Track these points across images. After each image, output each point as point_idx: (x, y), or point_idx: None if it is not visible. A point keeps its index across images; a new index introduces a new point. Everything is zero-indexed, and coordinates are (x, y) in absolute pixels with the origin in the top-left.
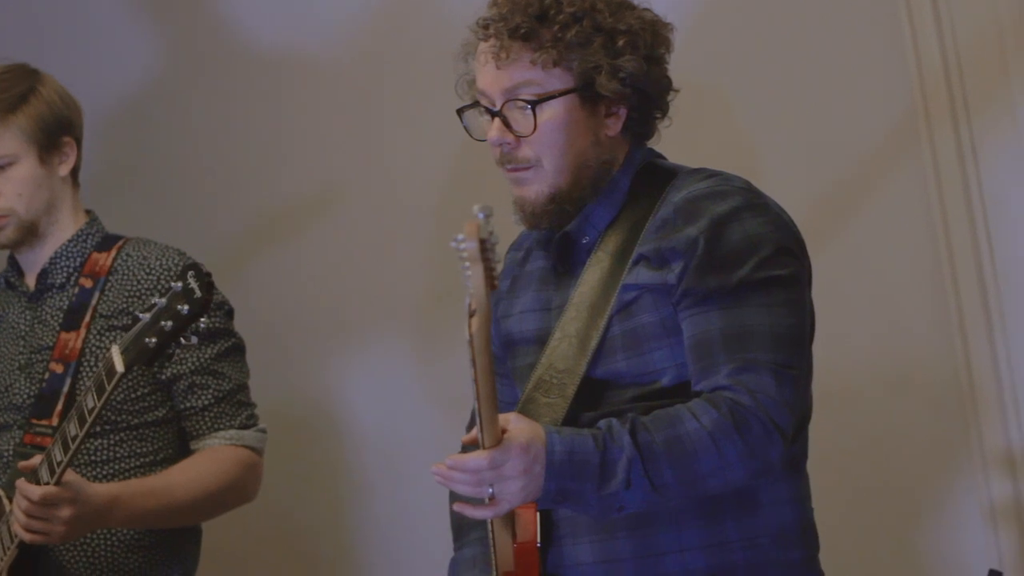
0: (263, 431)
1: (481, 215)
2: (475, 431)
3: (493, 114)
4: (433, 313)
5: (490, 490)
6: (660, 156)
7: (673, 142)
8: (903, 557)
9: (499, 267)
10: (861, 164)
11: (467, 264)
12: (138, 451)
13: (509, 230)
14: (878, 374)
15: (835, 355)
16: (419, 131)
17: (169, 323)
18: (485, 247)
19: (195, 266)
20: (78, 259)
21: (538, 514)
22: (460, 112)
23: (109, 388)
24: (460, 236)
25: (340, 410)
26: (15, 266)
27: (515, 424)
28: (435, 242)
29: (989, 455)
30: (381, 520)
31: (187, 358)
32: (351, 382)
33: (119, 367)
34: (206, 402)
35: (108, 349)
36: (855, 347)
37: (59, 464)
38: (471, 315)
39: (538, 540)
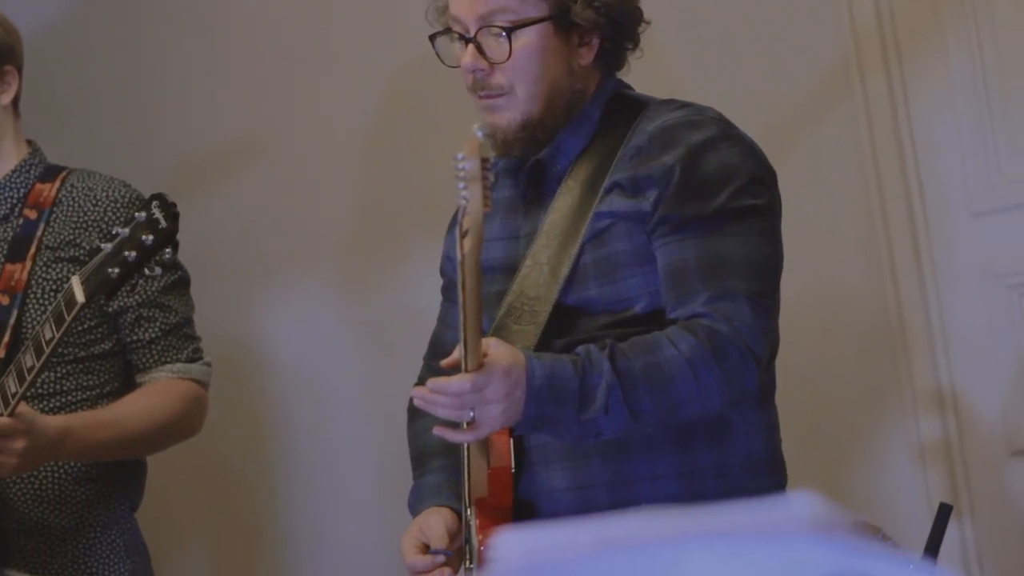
0: (208, 364)
1: (480, 133)
2: (456, 354)
3: (467, 40)
4: (355, 254)
5: (471, 414)
6: (629, 87)
7: None
8: (834, 496)
9: (492, 186)
10: (794, 110)
11: (463, 184)
12: (84, 384)
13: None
14: (810, 316)
15: None
16: (345, 73)
17: (133, 254)
18: (485, 166)
19: (160, 196)
20: (21, 190)
21: (512, 440)
22: (432, 38)
23: (69, 319)
24: (460, 155)
25: (263, 347)
26: None
27: (496, 349)
28: (359, 184)
29: (919, 395)
30: (302, 454)
31: (134, 291)
32: (274, 320)
33: (80, 297)
34: (153, 335)
35: (55, 280)
36: (786, 290)
37: (14, 395)
38: (463, 236)
39: (512, 466)
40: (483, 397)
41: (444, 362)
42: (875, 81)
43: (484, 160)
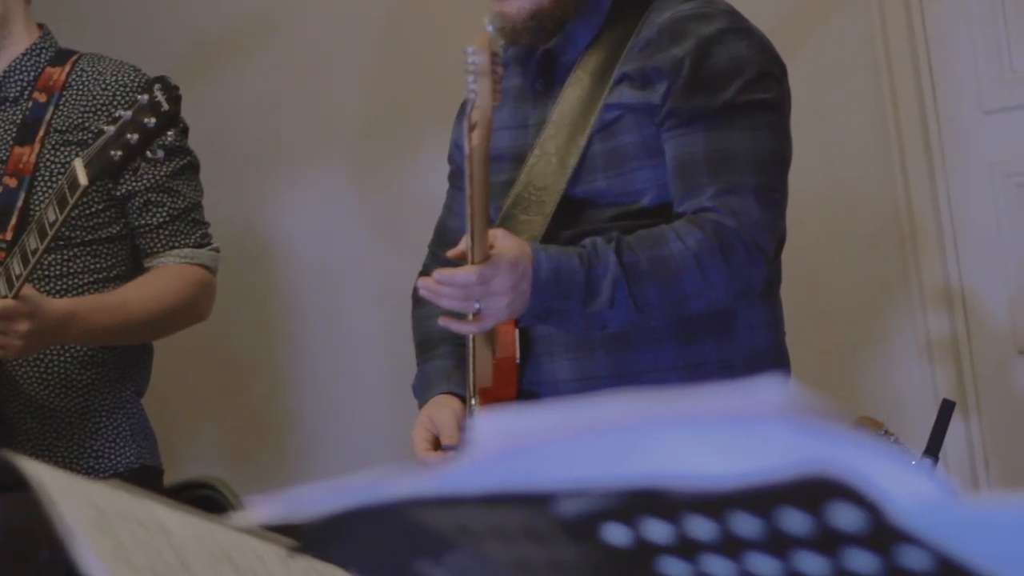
0: (217, 250)
1: (491, 28)
2: (462, 245)
3: None
4: (370, 139)
5: (477, 305)
6: None
7: None
8: (841, 392)
9: (500, 79)
10: (806, 5)
11: (472, 77)
12: (92, 267)
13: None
14: (820, 212)
15: None
16: None
17: (135, 136)
18: (495, 60)
19: (163, 79)
20: (31, 73)
21: (517, 331)
22: None
23: (72, 201)
24: (470, 49)
25: (275, 234)
26: None
27: (502, 240)
28: (372, 71)
29: (927, 292)
30: (312, 341)
31: (142, 175)
32: (286, 207)
33: (83, 180)
34: (161, 220)
35: (63, 164)
36: (796, 186)
37: (18, 278)
38: (471, 128)
39: (517, 356)
40: (489, 289)
41: (451, 253)
42: None
43: (494, 55)
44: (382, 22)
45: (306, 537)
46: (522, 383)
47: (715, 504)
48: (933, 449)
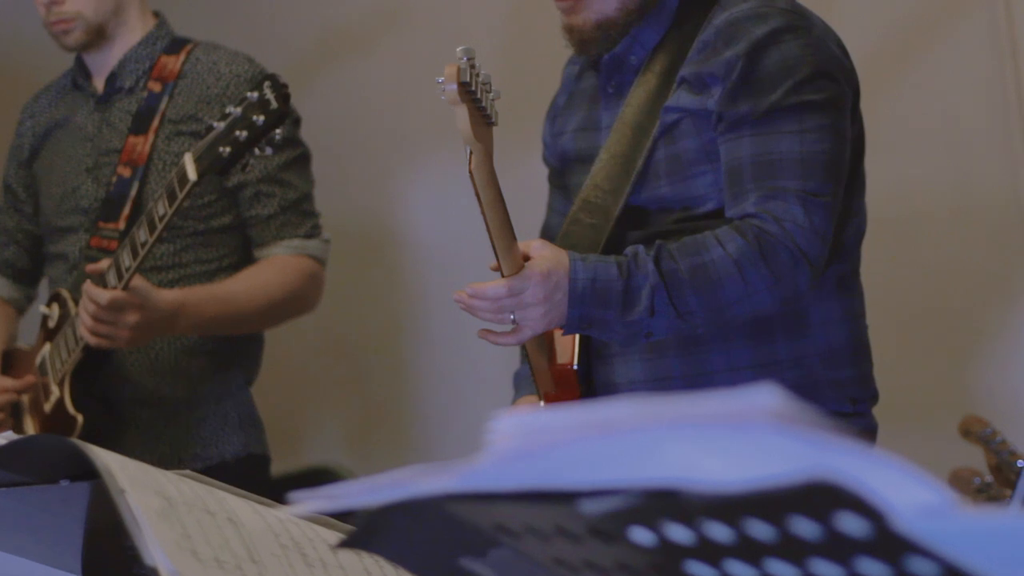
0: (327, 241)
1: (464, 58)
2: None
3: None
4: (496, 129)
5: (512, 317)
6: None
7: None
8: (953, 386)
9: (493, 102)
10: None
11: (453, 106)
12: (203, 257)
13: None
14: (941, 205)
15: (897, 181)
16: None
17: (244, 133)
18: (466, 90)
19: (272, 76)
20: (147, 62)
21: (576, 337)
22: None
23: (181, 196)
24: (440, 79)
25: (399, 225)
26: (83, 68)
27: (537, 251)
28: (500, 61)
29: None
30: (436, 338)
31: (254, 166)
32: (412, 198)
33: (192, 175)
34: (271, 211)
35: (176, 154)
36: (918, 175)
37: (127, 269)
38: (470, 155)
39: (575, 363)
40: (521, 301)
41: (492, 265)
42: None
43: (463, 84)
44: (509, 12)
45: (354, 531)
46: (595, 385)
47: (728, 509)
48: None
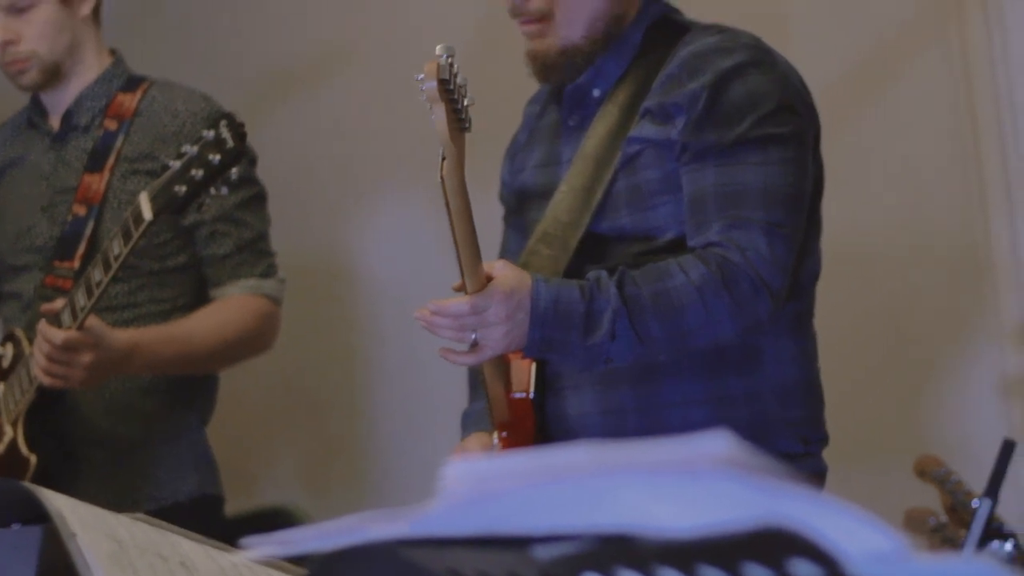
0: (282, 280)
1: (444, 55)
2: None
3: None
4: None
5: (473, 336)
6: (676, 11)
7: (704, 6)
8: (911, 424)
9: (468, 107)
10: (888, 39)
11: (430, 106)
12: (158, 297)
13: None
14: (898, 243)
15: (857, 218)
16: None
17: (200, 172)
18: (446, 87)
19: (229, 115)
20: (103, 100)
21: (533, 365)
22: None
23: (136, 235)
24: (419, 76)
25: (353, 260)
26: (39, 106)
27: (500, 271)
28: None
29: (1005, 328)
30: (392, 371)
31: (210, 205)
32: (365, 232)
33: (147, 215)
34: (227, 250)
35: (131, 193)
36: (877, 212)
37: (82, 309)
38: (443, 159)
39: (531, 392)
40: (483, 319)
41: (454, 285)
42: (972, 8)
43: (443, 81)
44: (466, 46)
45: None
46: (546, 417)
47: (682, 555)
48: (993, 490)
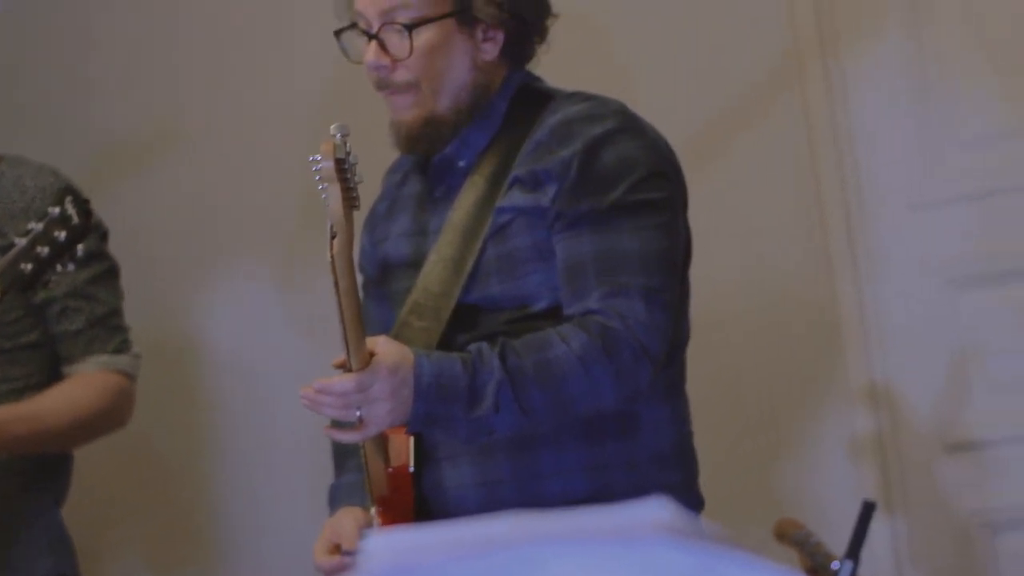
0: (137, 356)
1: (338, 135)
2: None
3: (370, 36)
4: (295, 238)
5: (357, 413)
6: (538, 79)
7: (554, 68)
8: (768, 487)
9: (358, 186)
10: (736, 101)
11: (324, 184)
12: (9, 375)
13: (387, 154)
14: (748, 307)
15: (706, 285)
16: (288, 53)
17: (46, 249)
18: (341, 166)
19: (74, 191)
20: None
21: (412, 439)
22: (338, 34)
23: None
24: (316, 156)
25: (201, 337)
26: None
27: (383, 347)
28: (300, 167)
29: (853, 389)
30: (240, 446)
31: (61, 281)
32: (212, 309)
33: None
34: (79, 326)
35: None
36: (725, 280)
37: None
38: (332, 237)
39: (411, 465)
40: (368, 396)
41: (335, 361)
42: (813, 72)
43: (339, 160)
44: (312, 122)
45: None
46: (424, 487)
47: None
48: (854, 551)
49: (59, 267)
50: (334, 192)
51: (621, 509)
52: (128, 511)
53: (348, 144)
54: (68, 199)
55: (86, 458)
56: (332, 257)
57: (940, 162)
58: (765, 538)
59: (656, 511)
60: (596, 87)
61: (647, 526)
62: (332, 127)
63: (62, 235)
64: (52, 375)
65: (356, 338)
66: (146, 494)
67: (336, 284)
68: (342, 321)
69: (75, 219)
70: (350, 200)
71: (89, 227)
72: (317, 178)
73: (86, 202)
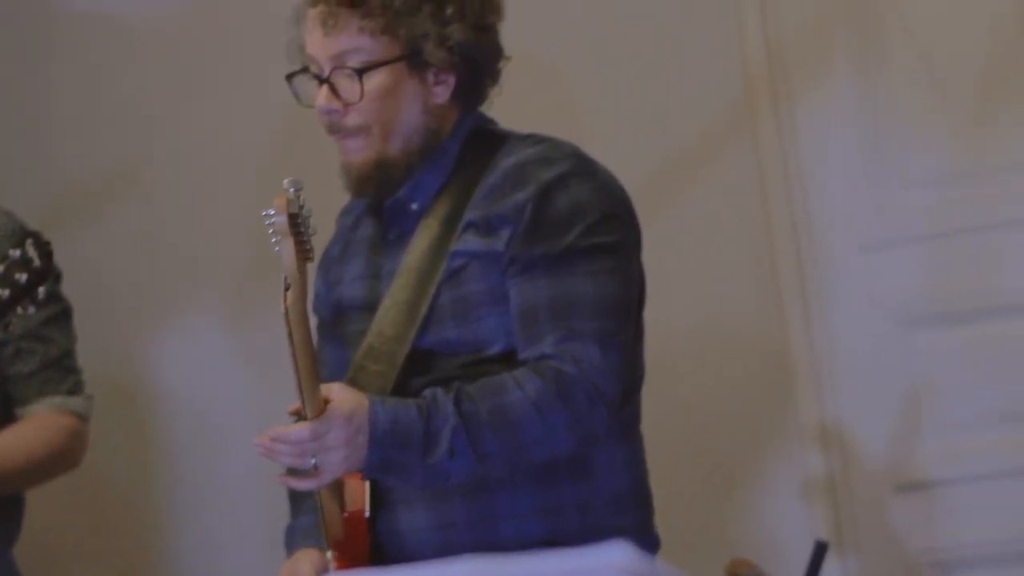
0: (90, 397)
1: (291, 189)
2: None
3: (321, 80)
4: (247, 280)
5: (313, 461)
6: (491, 122)
7: (507, 110)
8: (718, 528)
9: (312, 239)
10: (688, 146)
11: (278, 237)
12: None
13: (338, 197)
14: (700, 348)
15: (659, 326)
16: (239, 97)
17: (7, 292)
18: (295, 221)
19: (34, 234)
20: None
21: (367, 484)
22: (289, 78)
23: None
24: (270, 211)
25: (152, 377)
26: None
27: (338, 394)
28: (252, 212)
29: (804, 429)
30: (192, 486)
31: (15, 323)
32: (163, 349)
33: None
34: (32, 368)
35: None
36: (677, 321)
37: None
38: (286, 288)
39: (366, 510)
40: (323, 444)
41: (290, 409)
42: (764, 113)
43: (292, 215)
44: (263, 162)
45: None
46: (379, 532)
47: None
48: None
49: (19, 309)
50: (287, 246)
51: (581, 553)
52: (81, 552)
53: (301, 198)
54: (29, 241)
55: (38, 499)
56: (286, 309)
57: (890, 202)
58: None
59: (616, 555)
60: (550, 129)
61: (607, 570)
62: (285, 181)
63: (23, 277)
64: (5, 416)
65: (311, 387)
66: (99, 535)
67: (290, 335)
68: (296, 371)
69: (36, 261)
70: (304, 253)
71: (50, 270)
72: (271, 231)
73: (47, 244)
